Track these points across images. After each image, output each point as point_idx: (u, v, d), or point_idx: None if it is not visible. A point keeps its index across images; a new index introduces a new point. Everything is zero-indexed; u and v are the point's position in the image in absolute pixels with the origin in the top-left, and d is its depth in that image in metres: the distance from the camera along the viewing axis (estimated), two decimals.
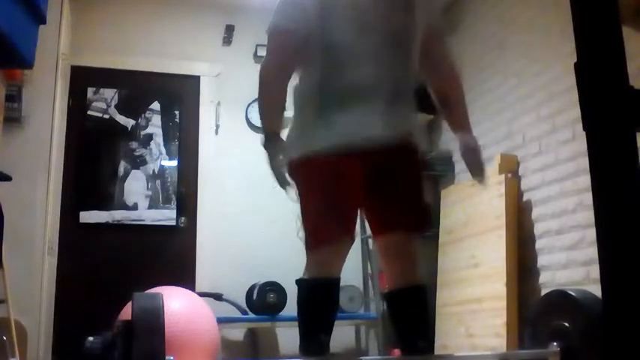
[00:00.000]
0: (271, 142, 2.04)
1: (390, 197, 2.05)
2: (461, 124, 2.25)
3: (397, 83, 2.05)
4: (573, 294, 2.46)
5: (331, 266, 2.04)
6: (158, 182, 4.42)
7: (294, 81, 2.15)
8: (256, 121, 4.60)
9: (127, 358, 1.74)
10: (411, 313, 2.06)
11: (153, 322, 1.82)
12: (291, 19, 2.10)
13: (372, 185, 2.03)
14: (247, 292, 4.11)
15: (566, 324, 2.33)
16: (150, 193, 4.38)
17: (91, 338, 2.22)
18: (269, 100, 2.11)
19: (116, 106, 4.44)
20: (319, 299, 2.04)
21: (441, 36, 2.27)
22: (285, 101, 2.09)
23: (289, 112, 2.14)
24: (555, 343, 2.32)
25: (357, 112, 1.98)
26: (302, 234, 2.04)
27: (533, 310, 2.78)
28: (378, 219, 2.12)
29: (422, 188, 2.15)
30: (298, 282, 2.07)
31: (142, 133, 4.46)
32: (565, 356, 2.28)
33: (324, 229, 2.00)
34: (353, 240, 2.05)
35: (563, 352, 2.28)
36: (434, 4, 2.25)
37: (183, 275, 4.13)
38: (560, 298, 2.52)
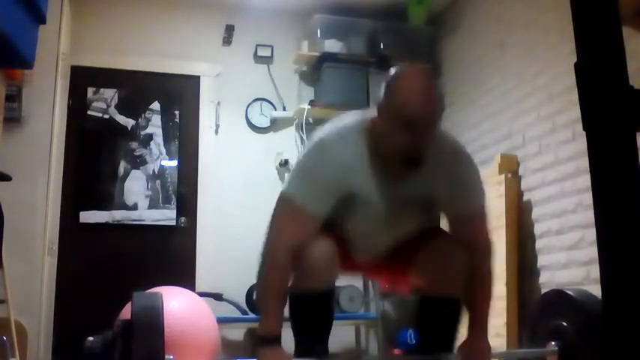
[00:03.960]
0: (270, 349, 1.81)
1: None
2: (475, 328, 2.04)
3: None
4: (571, 293, 2.46)
5: (324, 272, 1.89)
6: (158, 182, 4.42)
7: None
8: (256, 120, 4.61)
9: (127, 357, 1.74)
10: (444, 326, 1.99)
11: (152, 321, 1.81)
12: (313, 199, 1.86)
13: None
14: (247, 292, 4.10)
15: (564, 323, 2.33)
16: (150, 193, 4.38)
17: (91, 338, 2.21)
18: (274, 284, 1.85)
19: (116, 106, 4.43)
20: (314, 314, 1.93)
21: (477, 222, 2.04)
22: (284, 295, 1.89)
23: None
24: (554, 343, 2.32)
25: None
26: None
27: (532, 310, 2.78)
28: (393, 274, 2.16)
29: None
30: (291, 295, 1.91)
31: (142, 133, 4.46)
32: (563, 355, 2.27)
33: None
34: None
35: (562, 351, 2.28)
36: (466, 197, 1.99)
37: (183, 275, 4.13)
38: (557, 297, 2.52)
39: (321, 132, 1.91)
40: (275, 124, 4.58)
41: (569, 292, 2.50)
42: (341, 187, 1.85)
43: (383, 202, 1.89)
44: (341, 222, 1.95)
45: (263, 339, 1.84)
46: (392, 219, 1.93)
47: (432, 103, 1.78)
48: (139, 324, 1.78)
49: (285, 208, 1.88)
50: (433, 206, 2.01)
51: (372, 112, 1.86)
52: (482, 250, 2.03)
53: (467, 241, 1.96)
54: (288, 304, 1.91)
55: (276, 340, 1.83)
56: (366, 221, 1.93)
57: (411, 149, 1.76)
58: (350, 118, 1.92)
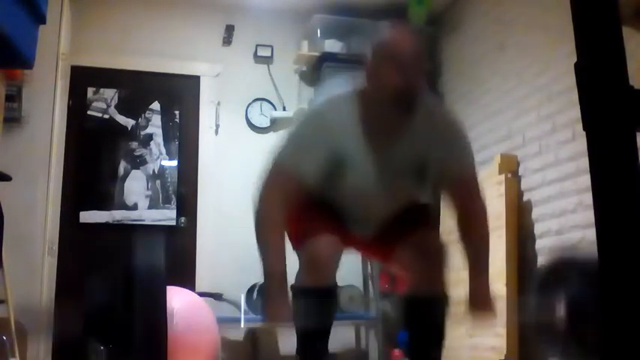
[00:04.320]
0: (277, 286, 1.87)
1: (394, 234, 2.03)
2: (474, 275, 2.12)
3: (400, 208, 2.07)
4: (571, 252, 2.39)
5: (326, 268, 1.90)
6: (158, 182, 4.42)
7: None
8: (256, 120, 4.61)
9: (129, 301, 1.72)
10: (431, 324, 2.00)
11: (154, 265, 1.80)
12: (304, 161, 1.92)
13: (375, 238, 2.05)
14: (247, 292, 4.10)
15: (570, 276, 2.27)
16: (150, 193, 4.38)
17: (92, 278, 2.19)
18: (270, 236, 1.91)
19: (116, 106, 4.43)
20: (316, 310, 1.93)
21: (470, 189, 2.08)
22: (284, 238, 1.93)
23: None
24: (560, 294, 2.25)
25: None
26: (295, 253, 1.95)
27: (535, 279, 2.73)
28: (381, 251, 2.13)
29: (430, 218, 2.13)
30: (293, 290, 1.94)
31: (142, 133, 4.46)
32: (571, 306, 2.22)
33: (317, 225, 1.93)
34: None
35: (569, 302, 2.21)
36: (459, 158, 2.06)
37: (183, 275, 4.13)
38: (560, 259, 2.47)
39: (313, 105, 1.99)
40: (275, 124, 4.57)
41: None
42: (332, 152, 1.90)
43: (374, 168, 1.94)
44: (334, 192, 1.98)
45: (271, 276, 1.88)
46: (383, 185, 1.96)
47: (417, 44, 1.90)
48: (141, 267, 1.77)
49: (276, 171, 1.94)
50: (424, 173, 2.02)
51: (361, 83, 1.95)
52: (476, 213, 2.07)
53: (461, 208, 2.03)
54: (290, 299, 1.93)
55: (281, 275, 1.87)
56: (358, 188, 1.96)
57: (402, 90, 1.83)
58: (340, 90, 1.99)
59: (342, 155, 1.91)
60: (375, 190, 1.96)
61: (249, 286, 4.08)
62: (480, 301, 2.08)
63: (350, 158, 1.92)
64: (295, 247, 1.96)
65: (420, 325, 2.02)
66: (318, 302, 1.92)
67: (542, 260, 3.41)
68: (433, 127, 1.95)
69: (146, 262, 1.81)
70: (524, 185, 3.62)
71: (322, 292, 1.92)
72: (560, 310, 1.88)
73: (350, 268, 4.50)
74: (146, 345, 1.74)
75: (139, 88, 4.53)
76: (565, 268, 1.89)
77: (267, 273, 1.88)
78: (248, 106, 4.59)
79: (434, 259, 1.98)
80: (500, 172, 3.67)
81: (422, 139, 1.93)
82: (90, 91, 4.40)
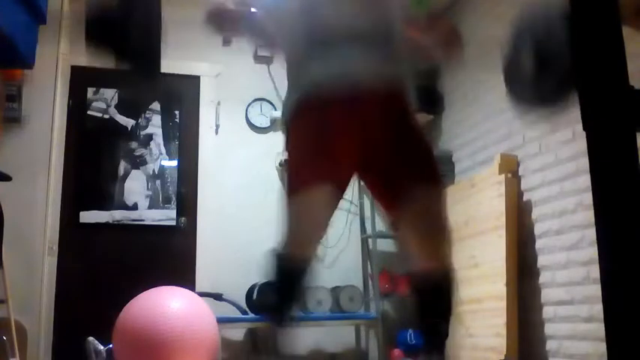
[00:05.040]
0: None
1: (391, 163, 1.95)
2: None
3: (378, 27, 2.01)
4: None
5: (310, 234, 1.94)
6: (158, 182, 4.42)
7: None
8: (256, 120, 4.61)
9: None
10: (439, 300, 1.99)
11: None
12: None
13: (368, 149, 1.93)
14: (247, 292, 4.10)
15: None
16: (150, 193, 4.38)
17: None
18: None
19: (116, 106, 4.43)
20: (290, 278, 1.99)
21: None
22: None
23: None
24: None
25: (338, 54, 1.94)
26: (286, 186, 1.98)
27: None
28: (385, 191, 2.02)
29: (421, 140, 2.04)
30: (272, 255, 1.98)
31: (142, 133, 4.46)
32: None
33: (310, 169, 1.91)
34: (339, 195, 1.95)
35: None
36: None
37: (184, 275, 4.13)
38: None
39: None
40: (275, 124, 4.57)
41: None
42: None
43: None
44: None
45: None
46: None
47: None
48: None
49: None
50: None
51: None
52: None
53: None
54: (270, 261, 2.00)
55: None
56: None
57: None
58: None
59: None
60: None
61: (249, 286, 4.09)
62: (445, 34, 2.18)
63: None
64: (287, 196, 1.96)
65: (429, 301, 2.01)
66: (298, 272, 1.97)
67: (542, 260, 3.41)
68: None
69: None
70: (524, 185, 3.62)
71: (303, 263, 1.97)
72: (528, 58, 1.91)
73: (350, 268, 4.51)
74: (140, 45, 1.78)
75: (139, 88, 4.53)
76: (529, 23, 1.89)
77: None
78: (248, 106, 4.59)
79: (438, 236, 1.96)
80: (500, 172, 3.67)
81: None
82: (90, 91, 4.40)
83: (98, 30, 1.88)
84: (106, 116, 4.41)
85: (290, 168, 2.02)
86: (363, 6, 2.01)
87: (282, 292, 2.01)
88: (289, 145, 2.04)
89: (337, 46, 1.95)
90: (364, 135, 1.91)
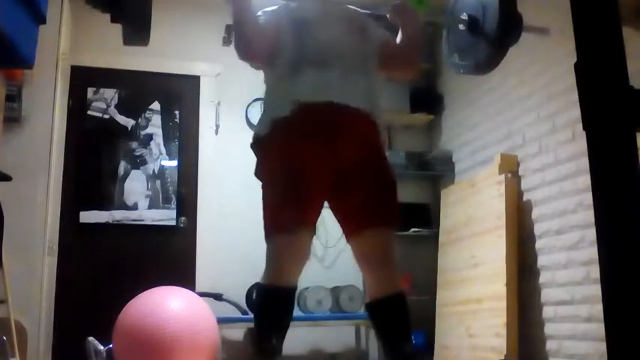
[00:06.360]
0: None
1: (358, 191, 2.03)
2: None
3: (354, 56, 2.13)
4: None
5: (291, 267, 1.98)
6: (158, 182, 4.42)
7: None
8: (256, 120, 4.60)
9: None
10: (395, 321, 2.04)
11: None
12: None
13: (338, 176, 2.01)
14: (247, 292, 4.10)
15: None
16: (150, 193, 4.38)
17: None
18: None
19: (116, 106, 4.43)
20: (275, 307, 2.00)
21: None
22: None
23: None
24: None
25: (314, 77, 2.03)
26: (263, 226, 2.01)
27: None
28: (349, 217, 2.10)
29: (388, 178, 2.11)
30: (257, 287, 2.03)
31: (142, 133, 4.46)
32: None
33: (285, 214, 1.96)
34: (313, 232, 2.01)
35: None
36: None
37: (184, 275, 4.13)
38: None
39: None
40: None
41: None
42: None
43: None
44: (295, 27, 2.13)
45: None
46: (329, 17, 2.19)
47: None
48: None
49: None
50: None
51: None
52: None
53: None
54: (254, 295, 2.02)
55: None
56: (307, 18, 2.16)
57: None
58: None
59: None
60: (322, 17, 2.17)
61: (249, 286, 4.09)
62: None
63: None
64: (266, 237, 2.01)
65: (388, 325, 2.06)
66: (282, 302, 2.00)
67: (542, 260, 3.41)
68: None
69: None
70: (524, 185, 3.62)
71: (286, 293, 1.99)
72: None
73: (350, 268, 4.50)
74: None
75: (139, 88, 4.54)
76: None
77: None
78: (248, 106, 4.59)
79: (387, 261, 2.03)
80: (500, 172, 3.67)
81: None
82: (90, 91, 4.40)
83: None
84: (106, 116, 4.41)
85: (265, 207, 2.04)
86: (344, 31, 2.16)
87: (268, 325, 2.02)
88: (262, 174, 2.09)
89: (317, 69, 2.05)
90: (337, 164, 2.00)
